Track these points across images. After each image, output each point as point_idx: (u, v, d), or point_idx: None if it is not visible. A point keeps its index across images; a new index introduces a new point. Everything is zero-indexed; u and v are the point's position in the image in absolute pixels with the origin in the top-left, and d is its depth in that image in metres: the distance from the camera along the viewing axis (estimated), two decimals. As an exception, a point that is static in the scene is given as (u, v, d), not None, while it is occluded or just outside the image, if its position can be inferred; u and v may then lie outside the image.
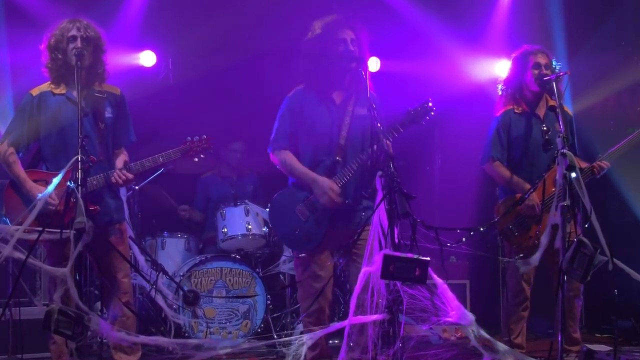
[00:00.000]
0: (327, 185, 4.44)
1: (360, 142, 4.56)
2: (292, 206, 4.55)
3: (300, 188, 4.58)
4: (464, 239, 4.18)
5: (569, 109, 5.43)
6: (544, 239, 4.18)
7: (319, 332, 4.18)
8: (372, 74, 4.70)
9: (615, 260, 3.96)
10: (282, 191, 4.71)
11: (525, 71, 5.21)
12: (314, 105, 4.60)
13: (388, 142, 4.30)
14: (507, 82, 5.36)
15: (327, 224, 4.50)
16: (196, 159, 4.67)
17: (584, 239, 3.86)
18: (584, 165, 5.10)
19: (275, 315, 6.48)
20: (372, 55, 4.70)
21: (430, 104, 4.52)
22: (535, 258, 4.29)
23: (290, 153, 4.61)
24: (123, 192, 5.01)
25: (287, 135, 4.63)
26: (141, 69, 7.39)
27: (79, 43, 4.41)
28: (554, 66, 5.19)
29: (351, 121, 4.55)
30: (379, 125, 4.08)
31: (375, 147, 4.03)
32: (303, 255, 4.59)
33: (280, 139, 4.64)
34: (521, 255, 4.92)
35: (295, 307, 6.37)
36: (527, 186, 5.06)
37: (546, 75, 5.08)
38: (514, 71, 5.31)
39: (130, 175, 4.46)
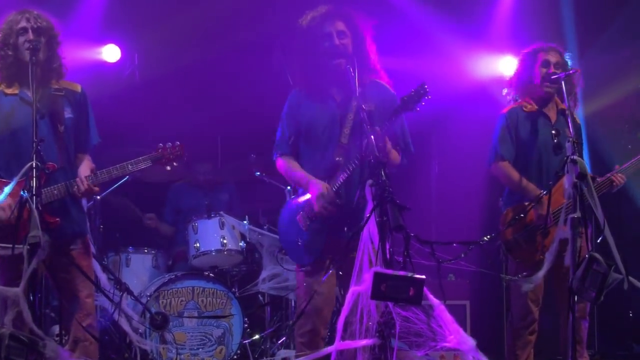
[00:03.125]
0: (318, 191, 4.47)
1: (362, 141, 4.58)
2: (294, 215, 4.63)
3: (303, 194, 4.64)
4: (463, 255, 4.19)
5: (577, 116, 5.45)
6: (549, 256, 4.20)
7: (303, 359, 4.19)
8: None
9: (631, 278, 3.98)
10: (290, 199, 4.87)
11: (533, 69, 5.25)
12: (310, 104, 4.67)
13: (377, 129, 4.26)
14: (513, 81, 5.41)
15: (326, 234, 4.51)
16: (169, 168, 4.69)
17: (597, 255, 3.88)
18: (599, 178, 5.14)
19: (251, 335, 6.45)
20: (374, 43, 4.71)
21: (426, 87, 4.50)
22: (539, 276, 4.30)
23: (290, 158, 4.72)
24: (83, 203, 5.00)
25: (287, 140, 4.73)
26: (104, 65, 7.38)
27: (30, 35, 4.40)
28: (568, 66, 5.23)
29: (355, 118, 4.56)
30: (368, 127, 4.10)
31: (364, 150, 4.07)
32: (303, 269, 4.63)
33: (281, 145, 4.76)
34: (524, 273, 4.93)
35: (273, 329, 6.37)
36: (539, 192, 5.07)
37: (555, 74, 5.12)
38: (521, 69, 5.36)
39: (95, 188, 4.47)
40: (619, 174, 5.18)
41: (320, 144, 4.63)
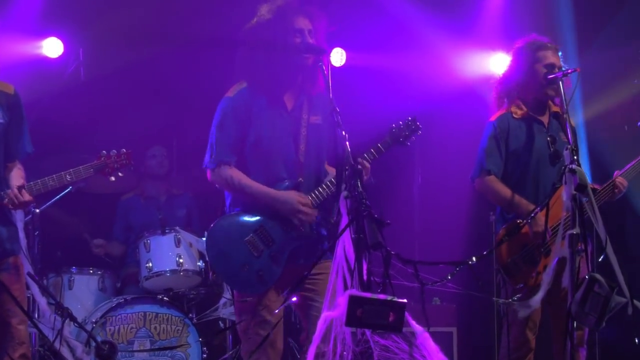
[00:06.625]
0: (297, 200, 4.44)
1: (317, 159, 4.61)
2: (240, 237, 4.49)
3: (251, 213, 4.54)
4: (450, 276, 4.19)
5: (572, 118, 5.47)
6: (546, 277, 4.21)
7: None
8: (333, 69, 4.73)
9: (636, 302, 4.00)
10: (224, 217, 4.64)
11: (532, 68, 5.24)
12: (263, 109, 4.58)
13: (365, 163, 4.38)
14: (508, 77, 5.39)
15: (285, 260, 4.48)
16: (113, 178, 4.65)
17: (598, 276, 3.90)
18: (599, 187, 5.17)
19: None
20: (332, 49, 4.75)
21: (417, 123, 4.60)
22: (536, 300, 4.31)
23: (236, 170, 4.54)
24: (20, 217, 4.95)
25: (232, 146, 4.56)
26: (44, 61, 7.34)
27: (-38, 30, 4.38)
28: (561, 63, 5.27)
29: (308, 132, 4.57)
30: (344, 134, 4.07)
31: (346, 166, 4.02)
32: (249, 299, 4.54)
33: (224, 152, 4.55)
34: (519, 295, 4.93)
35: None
36: (532, 207, 5.08)
37: (552, 73, 5.12)
38: (515, 67, 5.35)
39: (29, 197, 4.41)
40: (620, 178, 5.21)
41: (272, 159, 4.56)
